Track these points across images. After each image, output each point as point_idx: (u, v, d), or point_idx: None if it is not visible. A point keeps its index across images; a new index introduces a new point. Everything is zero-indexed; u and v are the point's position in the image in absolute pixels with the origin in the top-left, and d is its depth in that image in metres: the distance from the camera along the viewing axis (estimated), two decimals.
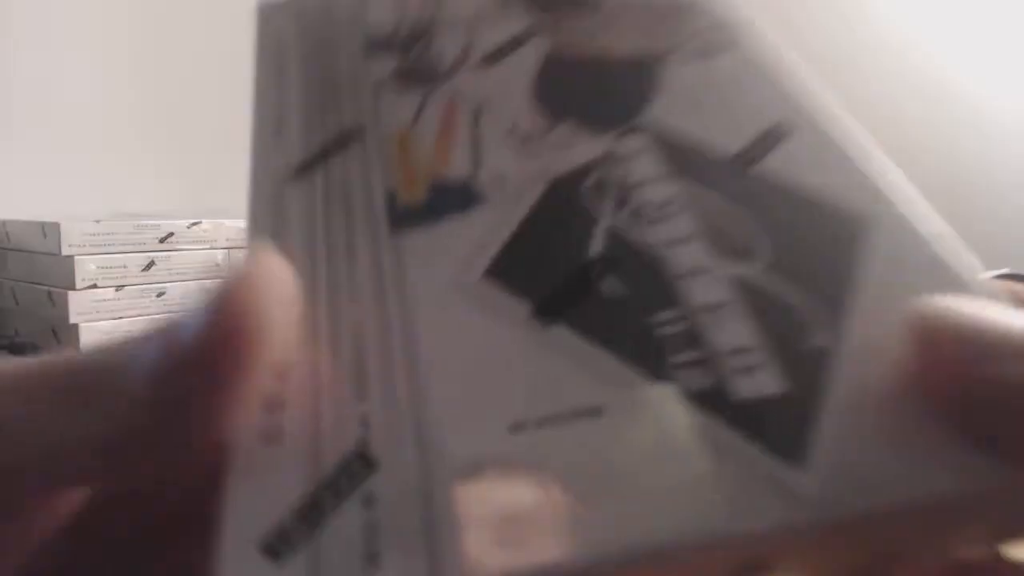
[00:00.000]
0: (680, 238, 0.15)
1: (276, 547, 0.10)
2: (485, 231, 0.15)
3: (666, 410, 0.12)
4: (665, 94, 0.18)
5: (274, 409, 0.12)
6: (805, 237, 0.15)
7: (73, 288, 0.87)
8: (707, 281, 0.14)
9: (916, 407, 0.12)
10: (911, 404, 0.12)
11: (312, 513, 0.11)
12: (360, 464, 0.11)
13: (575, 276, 0.14)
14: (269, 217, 0.16)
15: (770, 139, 0.17)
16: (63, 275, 0.87)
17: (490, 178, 0.17)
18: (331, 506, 0.11)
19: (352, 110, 0.19)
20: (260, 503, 0.11)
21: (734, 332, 0.13)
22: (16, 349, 0.81)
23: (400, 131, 0.18)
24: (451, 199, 0.16)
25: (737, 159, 0.17)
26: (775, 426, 0.12)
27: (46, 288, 0.89)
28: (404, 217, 0.16)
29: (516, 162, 0.17)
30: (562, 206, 0.16)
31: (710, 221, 0.15)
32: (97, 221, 0.90)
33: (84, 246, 0.88)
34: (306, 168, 0.17)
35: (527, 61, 0.20)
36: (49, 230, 0.88)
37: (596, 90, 0.19)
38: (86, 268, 0.89)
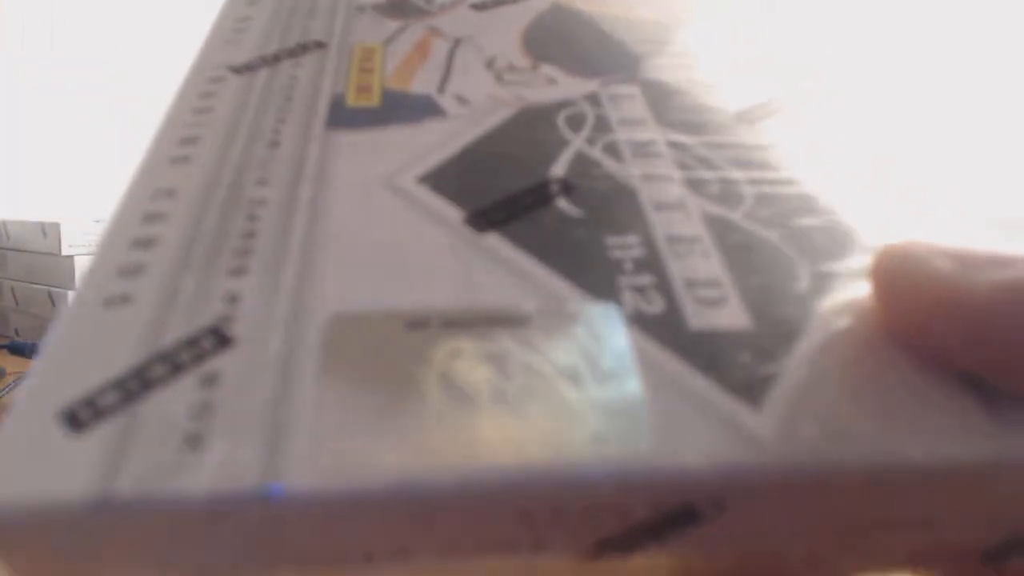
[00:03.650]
0: (657, 175, 0.13)
1: (78, 416, 0.08)
2: (435, 140, 0.13)
3: (603, 329, 0.10)
4: (663, 56, 0.17)
5: (129, 274, 0.10)
6: (802, 191, 0.13)
7: (73, 288, 0.85)
8: (680, 215, 0.12)
9: (895, 364, 0.10)
10: (889, 360, 0.10)
11: (133, 384, 0.09)
12: (212, 340, 0.09)
13: (525, 192, 0.12)
14: (196, 99, 0.14)
15: (771, 107, 0.16)
16: (63, 275, 0.86)
17: (455, 98, 0.15)
18: (160, 379, 0.09)
19: (321, 27, 0.17)
20: (78, 368, 0.09)
21: (700, 264, 0.11)
22: (16, 349, 0.80)
23: (367, 46, 0.17)
24: (406, 108, 0.14)
25: (735, 118, 0.15)
26: (731, 361, 0.09)
27: (46, 288, 0.88)
28: (348, 117, 0.14)
29: (488, 88, 0.15)
30: (530, 128, 0.14)
31: (692, 166, 0.13)
32: (97, 221, 0.89)
33: (84, 246, 0.87)
34: (252, 66, 0.15)
35: (525, 11, 0.19)
36: (49, 230, 0.87)
37: (593, 42, 0.18)
38: (86, 268, 0.86)
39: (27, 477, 0.07)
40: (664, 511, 0.08)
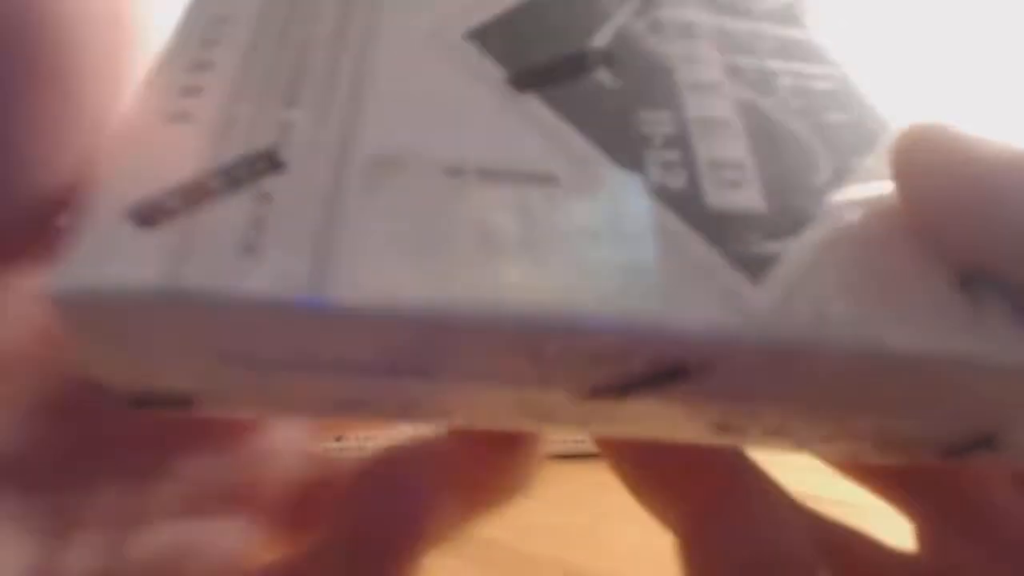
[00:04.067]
0: (696, 57, 0.13)
1: (146, 215, 0.09)
2: None
3: (626, 196, 0.10)
4: None
5: (190, 94, 0.11)
6: (840, 87, 0.13)
7: None
8: (713, 97, 0.12)
9: (897, 257, 0.10)
10: (892, 253, 0.10)
11: (196, 193, 0.09)
12: (264, 163, 0.10)
13: (567, 58, 0.13)
14: None
15: None
16: None
17: None
18: (219, 191, 0.09)
19: None
20: (143, 173, 0.10)
21: (726, 146, 0.12)
22: None
23: None
24: None
25: (786, 5, 0.15)
26: (741, 239, 0.10)
27: None
28: None
29: None
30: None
31: (733, 52, 0.14)
32: None
33: None
34: None
35: None
36: None
37: None
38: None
39: (99, 266, 0.08)
40: (658, 365, 0.09)
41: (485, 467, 0.13)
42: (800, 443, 0.12)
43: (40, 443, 0.11)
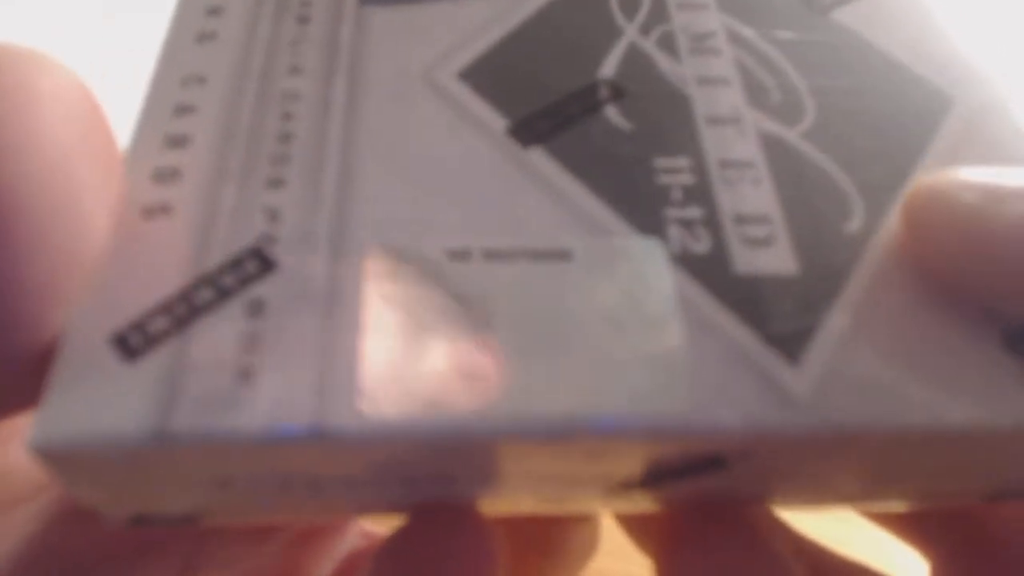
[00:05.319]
0: (714, 78, 0.12)
1: (131, 343, 0.08)
2: (477, 23, 0.12)
3: (646, 269, 0.10)
4: None
5: (166, 180, 0.10)
6: (868, 105, 0.12)
7: None
8: (734, 133, 0.11)
9: (937, 318, 0.09)
10: (932, 313, 0.09)
11: (181, 309, 0.09)
12: (255, 264, 0.09)
13: (573, 97, 0.12)
14: None
15: None
16: None
17: None
18: (206, 305, 0.09)
19: None
20: (125, 289, 0.09)
21: (751, 197, 0.11)
22: None
23: None
24: None
25: (806, 4, 0.14)
26: (775, 310, 0.09)
27: None
28: None
29: None
30: (581, 10, 0.13)
31: (753, 68, 0.12)
32: None
33: None
34: None
35: None
36: None
37: None
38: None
39: (84, 411, 0.08)
40: (692, 458, 0.09)
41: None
42: (832, 504, 0.11)
43: (75, 546, 0.11)
